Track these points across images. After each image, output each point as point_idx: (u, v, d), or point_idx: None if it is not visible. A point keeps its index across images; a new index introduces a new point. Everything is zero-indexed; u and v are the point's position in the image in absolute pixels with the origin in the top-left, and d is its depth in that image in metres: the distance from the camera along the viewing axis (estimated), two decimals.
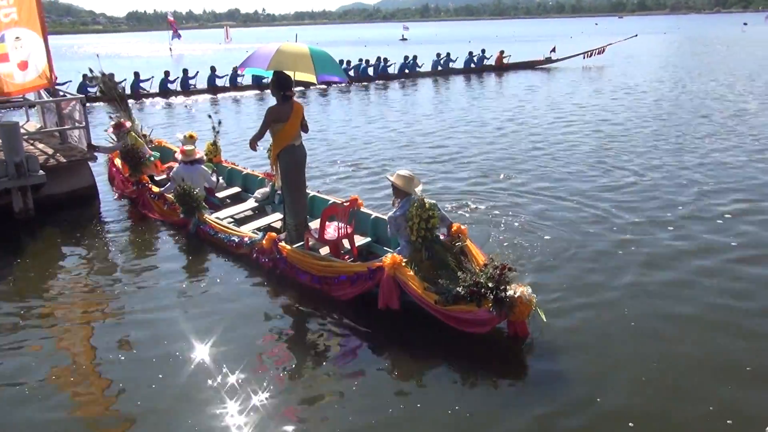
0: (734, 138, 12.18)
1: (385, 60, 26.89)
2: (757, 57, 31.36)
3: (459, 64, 28.38)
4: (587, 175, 9.82)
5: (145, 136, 9.69)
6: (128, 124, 9.07)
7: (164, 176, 9.07)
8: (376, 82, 25.61)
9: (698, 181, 9.21)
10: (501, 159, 11.17)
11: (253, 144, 6.26)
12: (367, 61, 26.29)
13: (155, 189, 8.23)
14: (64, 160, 8.95)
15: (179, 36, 48.23)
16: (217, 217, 7.35)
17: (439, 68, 27.63)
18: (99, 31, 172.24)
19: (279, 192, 7.49)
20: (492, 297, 4.46)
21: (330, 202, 7.06)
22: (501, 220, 7.63)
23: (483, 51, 29.02)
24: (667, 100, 17.32)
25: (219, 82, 23.50)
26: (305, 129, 6.37)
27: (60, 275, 6.65)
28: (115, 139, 9.29)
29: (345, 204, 6.13)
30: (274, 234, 6.22)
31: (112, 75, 11.28)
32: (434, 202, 5.37)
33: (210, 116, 9.81)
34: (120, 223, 8.22)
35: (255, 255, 6.31)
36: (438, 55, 27.95)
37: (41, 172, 8.29)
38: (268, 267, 6.16)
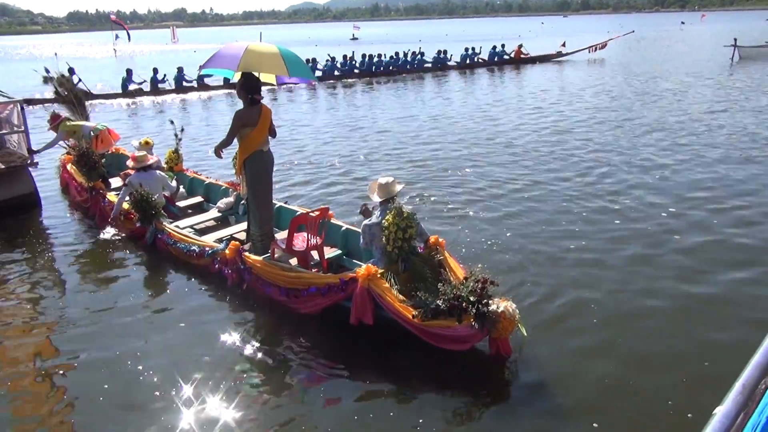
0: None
1: (422, 53, 28.82)
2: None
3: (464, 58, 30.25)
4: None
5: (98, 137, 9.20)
6: (63, 115, 8.86)
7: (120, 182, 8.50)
8: (411, 74, 27.26)
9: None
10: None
11: (219, 151, 5.90)
12: (406, 54, 28.28)
13: (110, 196, 7.71)
14: (3, 167, 8.56)
15: (128, 36, 46.89)
16: (176, 226, 6.91)
17: (468, 61, 29.76)
18: (38, 31, 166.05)
19: (244, 202, 7.17)
20: (474, 312, 4.18)
21: (298, 213, 6.67)
22: (469, 220, 7.49)
23: (503, 46, 31.00)
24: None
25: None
26: (273, 134, 6.05)
27: (1, 286, 6.24)
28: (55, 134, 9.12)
29: (315, 214, 5.78)
30: (237, 243, 5.85)
31: (72, 69, 10.98)
32: (412, 212, 5.09)
33: (172, 122, 9.27)
34: (65, 232, 7.83)
35: (217, 266, 5.92)
36: (466, 49, 30.25)
37: None
38: (232, 279, 5.77)
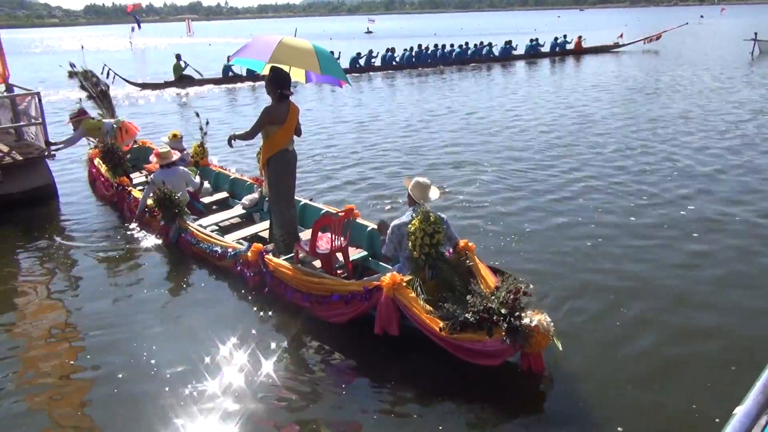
0: None
1: (490, 44, 30.10)
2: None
3: (521, 49, 31.47)
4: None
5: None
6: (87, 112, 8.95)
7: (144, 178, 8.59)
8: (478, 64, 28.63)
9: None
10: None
11: (232, 141, 5.74)
12: (476, 45, 29.73)
13: (135, 193, 7.66)
14: (20, 158, 8.68)
15: (139, 24, 46.98)
16: (200, 225, 6.77)
17: (532, 52, 31.15)
18: (55, 24, 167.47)
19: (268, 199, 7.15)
20: (505, 325, 3.94)
21: (323, 211, 6.56)
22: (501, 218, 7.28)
23: (565, 36, 32.16)
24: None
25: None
26: (298, 133, 5.86)
27: (17, 279, 6.35)
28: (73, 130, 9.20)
29: (340, 214, 5.60)
30: (260, 245, 5.65)
31: (179, 56, 10.85)
32: (442, 216, 4.85)
33: (197, 114, 9.15)
34: (84, 225, 7.84)
35: (239, 268, 5.77)
36: (531, 40, 31.67)
37: None
38: (254, 282, 5.61)
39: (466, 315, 4.08)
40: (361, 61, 26.69)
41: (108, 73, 21.58)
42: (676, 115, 13.97)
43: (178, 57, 22.71)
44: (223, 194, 8.22)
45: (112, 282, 6.17)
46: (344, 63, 25.26)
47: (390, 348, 4.61)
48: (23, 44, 61.67)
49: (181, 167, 7.52)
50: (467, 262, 4.94)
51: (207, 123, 8.97)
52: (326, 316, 4.97)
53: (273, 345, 4.87)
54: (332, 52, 20.36)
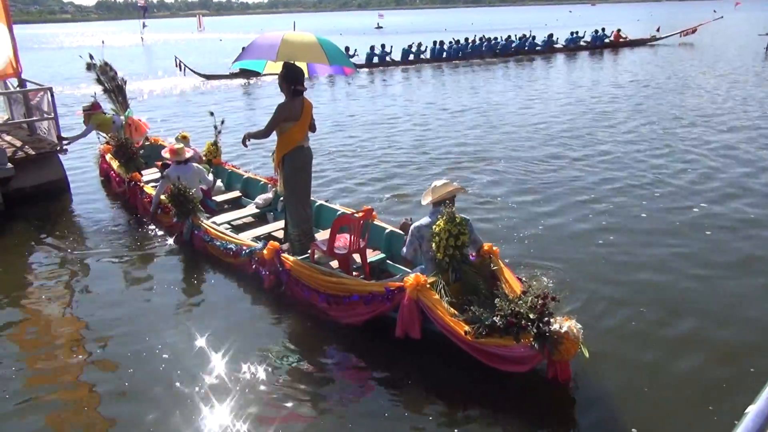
0: None
1: (533, 37, 31.20)
2: None
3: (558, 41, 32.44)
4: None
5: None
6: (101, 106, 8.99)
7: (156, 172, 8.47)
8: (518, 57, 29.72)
9: None
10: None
11: (247, 140, 5.64)
12: (521, 37, 31.06)
13: (148, 189, 7.59)
14: (33, 153, 8.72)
15: (146, 10, 46.99)
16: (213, 222, 6.68)
17: (572, 45, 32.11)
18: (67, 20, 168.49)
19: (282, 198, 7.03)
20: (534, 331, 3.78)
21: (339, 212, 6.46)
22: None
23: (603, 30, 32.95)
24: None
25: None
26: (313, 129, 5.75)
27: (31, 271, 6.38)
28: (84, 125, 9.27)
29: (358, 215, 5.47)
30: (276, 243, 5.51)
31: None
32: (466, 217, 4.69)
33: (212, 113, 9.03)
34: (94, 220, 7.86)
35: (254, 266, 5.65)
36: (572, 33, 32.72)
37: (9, 165, 8.06)
38: (269, 281, 5.49)
39: (494, 319, 3.93)
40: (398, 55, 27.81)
41: (180, 65, 23.42)
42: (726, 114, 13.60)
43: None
44: (236, 193, 8.14)
45: (124, 278, 6.14)
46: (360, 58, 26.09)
47: (409, 351, 4.46)
48: (36, 40, 62.07)
49: (195, 164, 7.46)
50: (491, 266, 4.80)
51: (222, 122, 8.91)
52: (342, 317, 4.84)
53: (287, 345, 4.78)
54: (347, 48, 20.84)
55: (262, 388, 4.22)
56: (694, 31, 34.45)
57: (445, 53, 28.57)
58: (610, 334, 4.78)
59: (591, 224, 7.15)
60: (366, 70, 25.35)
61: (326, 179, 9.45)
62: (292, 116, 5.49)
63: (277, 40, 5.23)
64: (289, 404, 4.06)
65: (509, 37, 30.83)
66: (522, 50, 30.26)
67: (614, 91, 17.50)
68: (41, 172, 8.79)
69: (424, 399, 4.07)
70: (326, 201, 7.11)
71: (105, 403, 4.15)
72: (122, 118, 9.23)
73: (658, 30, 35.25)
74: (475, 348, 4.02)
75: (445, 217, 4.52)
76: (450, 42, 29.09)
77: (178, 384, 4.28)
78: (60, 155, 9.08)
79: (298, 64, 5.58)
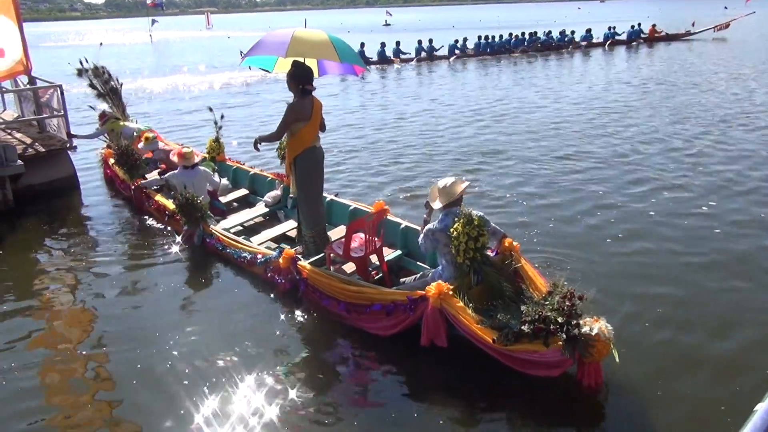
0: None
1: (572, 32, 31.88)
2: None
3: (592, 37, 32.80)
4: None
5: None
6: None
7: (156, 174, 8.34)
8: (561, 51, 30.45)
9: None
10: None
11: (258, 144, 5.52)
12: (563, 32, 31.79)
13: (159, 198, 7.33)
14: (43, 150, 8.76)
15: (162, 6, 47.18)
16: (224, 228, 6.55)
17: (609, 40, 32.24)
18: (77, 17, 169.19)
19: (292, 196, 6.72)
20: (564, 335, 3.65)
21: (351, 207, 6.38)
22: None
23: (639, 25, 33.25)
24: None
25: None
26: (323, 128, 5.62)
27: (42, 269, 6.36)
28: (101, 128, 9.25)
29: (373, 216, 5.33)
30: (291, 251, 5.39)
31: (363, 44, 11.00)
32: (482, 215, 4.51)
33: (211, 109, 8.88)
34: (103, 215, 7.89)
35: (270, 274, 5.53)
36: (609, 28, 32.73)
37: (19, 162, 8.10)
38: (285, 288, 5.36)
39: (522, 327, 3.80)
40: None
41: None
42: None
43: (362, 45, 25.39)
44: (243, 191, 7.98)
45: (133, 277, 6.08)
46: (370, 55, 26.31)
47: (433, 356, 4.33)
48: (45, 37, 62.34)
49: (202, 167, 7.30)
50: (514, 264, 4.65)
51: (222, 117, 8.79)
52: (368, 328, 4.70)
53: (301, 344, 4.70)
54: (398, 42, 23.48)
55: (275, 396, 4.11)
56: (727, 26, 34.84)
57: (490, 48, 29.61)
58: (638, 334, 4.65)
59: (610, 224, 7.04)
60: (414, 63, 26.75)
61: (337, 173, 9.40)
62: (303, 116, 5.36)
63: (287, 37, 5.09)
64: (308, 410, 3.96)
65: (549, 32, 31.84)
66: (562, 44, 31.16)
67: (656, 87, 17.33)
68: (51, 170, 8.84)
69: (448, 403, 3.96)
70: (336, 195, 7.00)
71: (114, 403, 4.12)
72: (134, 128, 9.07)
73: (693, 25, 35.49)
74: (504, 355, 3.92)
75: (462, 220, 4.36)
76: (493, 36, 30.26)
77: (188, 386, 4.21)
78: (70, 152, 9.14)
79: (308, 62, 5.48)
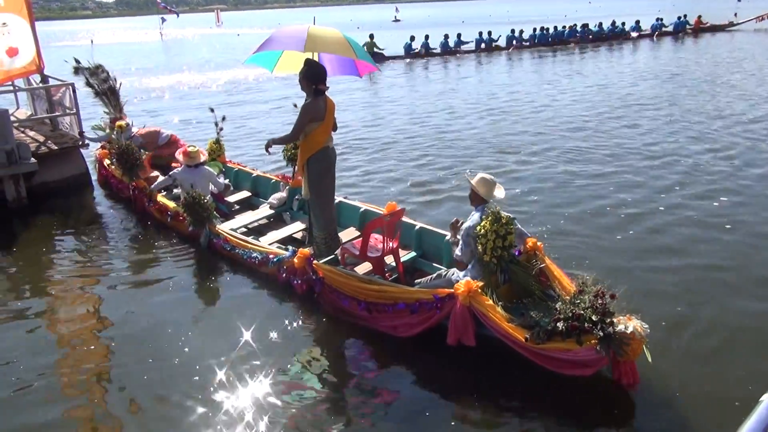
0: None
1: (623, 23, 32.37)
2: None
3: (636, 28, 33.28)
4: None
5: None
6: (126, 120, 8.54)
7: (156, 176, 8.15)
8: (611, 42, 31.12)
9: None
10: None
11: (270, 147, 5.43)
12: (614, 24, 32.55)
13: (161, 199, 7.18)
14: (56, 148, 8.84)
15: (176, 13, 47.11)
16: (231, 228, 6.44)
17: (657, 31, 32.90)
18: (88, 16, 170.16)
19: (298, 198, 6.74)
20: (600, 333, 3.56)
21: (361, 209, 6.31)
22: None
23: (685, 16, 33.69)
24: None
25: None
26: (334, 128, 5.50)
27: (55, 266, 6.39)
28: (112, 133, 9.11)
29: (390, 216, 5.24)
30: (306, 251, 5.26)
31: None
32: (510, 215, 4.42)
33: (212, 109, 8.67)
34: (116, 212, 7.87)
35: (284, 275, 5.39)
36: (657, 19, 33.39)
37: (33, 159, 8.17)
38: (302, 290, 5.23)
39: (557, 324, 3.70)
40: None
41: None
42: None
43: (371, 36, 26.26)
44: (246, 193, 7.84)
45: (145, 276, 6.07)
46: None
47: (458, 356, 4.23)
48: (56, 36, 62.77)
49: (206, 167, 7.14)
50: (538, 264, 4.56)
51: (223, 119, 8.59)
52: (391, 327, 4.57)
53: (320, 353, 4.61)
54: (413, 38, 24.07)
55: (291, 399, 4.03)
56: None
57: (545, 39, 30.66)
58: (673, 335, 4.55)
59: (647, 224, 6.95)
60: (474, 54, 27.75)
61: (350, 173, 9.34)
62: (318, 117, 5.23)
63: (302, 32, 4.96)
64: (330, 412, 3.89)
65: (600, 24, 32.74)
66: (613, 35, 32.01)
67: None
68: (64, 167, 8.92)
69: (476, 403, 3.90)
70: (345, 197, 6.91)
71: (121, 402, 4.08)
72: (134, 131, 8.68)
73: (735, 15, 36.26)
74: (536, 353, 3.82)
75: (490, 218, 4.29)
76: (548, 28, 31.23)
77: (200, 387, 4.16)
78: (82, 150, 9.22)
79: (323, 62, 5.39)
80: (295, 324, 4.99)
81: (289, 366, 4.40)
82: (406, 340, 4.51)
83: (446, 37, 28.01)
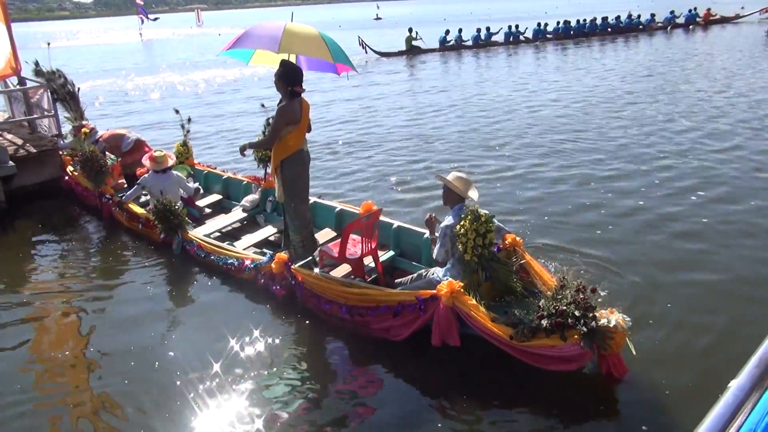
0: None
1: (639, 16, 33.62)
2: None
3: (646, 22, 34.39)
4: None
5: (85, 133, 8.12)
6: (88, 126, 8.24)
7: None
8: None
9: None
10: None
11: (245, 150, 5.36)
12: (630, 16, 33.66)
13: (134, 207, 6.93)
14: (35, 150, 8.74)
15: (152, 20, 46.81)
16: (205, 235, 6.27)
17: (670, 24, 34.18)
18: (66, 17, 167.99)
19: (271, 199, 6.67)
20: (584, 329, 3.57)
21: (337, 209, 6.25)
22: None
23: (695, 9, 34.90)
24: None
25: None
26: (309, 129, 5.41)
27: (35, 270, 6.36)
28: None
29: (367, 217, 5.18)
30: (284, 255, 5.19)
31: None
32: (488, 212, 4.39)
33: (177, 111, 8.25)
34: (95, 215, 7.74)
35: (263, 281, 5.31)
36: (671, 12, 34.67)
37: (11, 163, 8.11)
38: (281, 295, 5.16)
39: (541, 322, 3.71)
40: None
41: (362, 44, 27.02)
42: None
43: (411, 30, 27.81)
44: (217, 196, 7.65)
45: (125, 277, 6.00)
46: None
47: (442, 356, 4.23)
48: (35, 38, 61.89)
49: (175, 172, 6.95)
50: (519, 260, 4.57)
51: (189, 120, 8.28)
52: (377, 331, 4.53)
53: (303, 357, 4.55)
54: (447, 31, 25.54)
55: (281, 402, 4.00)
56: None
57: (568, 32, 31.83)
58: (651, 327, 4.57)
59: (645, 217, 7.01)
60: (473, 50, 28.49)
61: (324, 174, 9.26)
62: (294, 120, 5.13)
63: (278, 30, 4.84)
64: (314, 416, 3.85)
65: (618, 16, 33.55)
66: (632, 27, 33.09)
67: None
68: (43, 170, 8.80)
69: (462, 402, 3.88)
70: (320, 197, 6.83)
71: (105, 407, 4.03)
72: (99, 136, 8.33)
73: (742, 8, 37.32)
74: (521, 351, 3.83)
75: (469, 216, 4.27)
76: (569, 21, 32.29)
77: (183, 391, 4.10)
78: (61, 152, 9.12)
79: (300, 59, 5.31)
80: (275, 328, 4.92)
81: (272, 371, 4.34)
82: (389, 341, 4.48)
83: (478, 30, 29.59)
